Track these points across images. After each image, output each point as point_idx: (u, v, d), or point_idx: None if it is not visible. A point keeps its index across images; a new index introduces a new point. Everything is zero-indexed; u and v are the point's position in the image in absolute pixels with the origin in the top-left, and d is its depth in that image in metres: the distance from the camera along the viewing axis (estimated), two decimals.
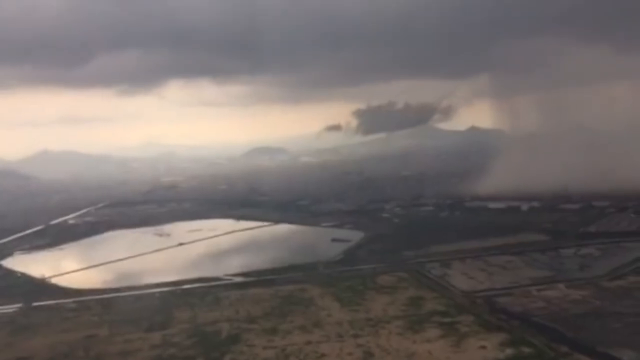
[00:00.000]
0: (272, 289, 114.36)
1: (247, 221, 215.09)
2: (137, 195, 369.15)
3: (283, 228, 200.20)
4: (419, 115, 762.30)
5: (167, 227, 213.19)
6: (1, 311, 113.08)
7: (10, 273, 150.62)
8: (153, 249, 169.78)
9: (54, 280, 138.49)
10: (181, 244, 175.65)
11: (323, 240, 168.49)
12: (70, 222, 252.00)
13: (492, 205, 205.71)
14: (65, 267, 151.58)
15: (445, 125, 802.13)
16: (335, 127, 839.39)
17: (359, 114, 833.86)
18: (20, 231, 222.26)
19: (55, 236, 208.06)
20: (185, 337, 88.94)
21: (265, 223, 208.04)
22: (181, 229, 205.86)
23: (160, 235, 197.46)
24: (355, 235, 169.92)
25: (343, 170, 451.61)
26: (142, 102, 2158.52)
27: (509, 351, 74.65)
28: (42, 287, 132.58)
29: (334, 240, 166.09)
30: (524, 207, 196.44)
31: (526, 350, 74.69)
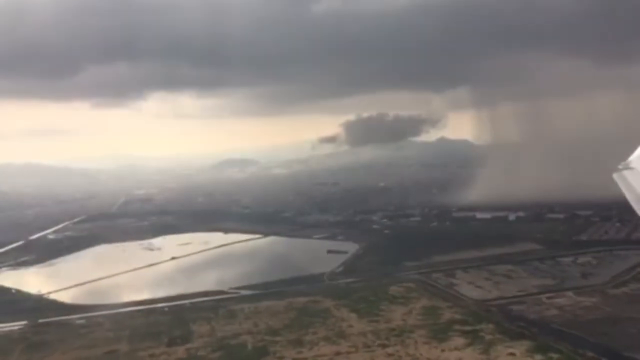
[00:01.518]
0: (284, 301, 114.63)
1: (236, 234, 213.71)
2: (112, 208, 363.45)
3: (274, 240, 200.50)
4: (408, 127, 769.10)
5: (156, 241, 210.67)
6: (8, 328, 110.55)
7: (3, 290, 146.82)
8: (147, 264, 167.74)
9: (52, 297, 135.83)
10: (174, 258, 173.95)
11: (318, 252, 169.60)
12: (50, 237, 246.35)
13: (479, 215, 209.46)
14: (60, 282, 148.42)
15: (417, 138, 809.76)
16: (330, 139, 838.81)
17: (347, 125, 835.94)
18: (0, 247, 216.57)
19: (40, 251, 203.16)
20: (210, 350, 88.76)
21: (255, 236, 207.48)
22: (170, 243, 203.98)
23: (151, 249, 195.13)
24: (349, 247, 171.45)
25: (317, 182, 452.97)
26: (116, 114, 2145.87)
27: (538, 357, 77.01)
28: (42, 304, 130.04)
29: (329, 252, 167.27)
30: (511, 217, 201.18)
31: (554, 356, 77.09)
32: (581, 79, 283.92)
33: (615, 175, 21.37)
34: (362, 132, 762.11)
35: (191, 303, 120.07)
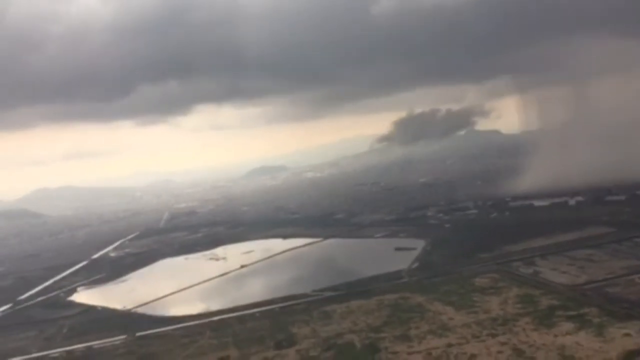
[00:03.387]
0: (373, 300, 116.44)
1: (295, 239, 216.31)
2: (160, 223, 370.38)
3: (336, 242, 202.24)
4: (460, 120, 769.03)
5: (217, 251, 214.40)
6: (110, 343, 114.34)
7: (89, 308, 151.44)
8: (219, 273, 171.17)
9: (139, 311, 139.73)
10: (244, 266, 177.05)
11: (386, 251, 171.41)
12: (112, 255, 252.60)
13: (537, 203, 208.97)
14: (141, 297, 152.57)
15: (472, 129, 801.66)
16: (386, 138, 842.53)
17: (399, 123, 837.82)
18: (66, 268, 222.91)
19: (108, 269, 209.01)
20: (320, 351, 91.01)
21: (315, 239, 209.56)
22: (233, 252, 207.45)
23: (216, 259, 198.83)
24: (415, 244, 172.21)
25: (356, 183, 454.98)
26: (156, 131, 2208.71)
27: None
28: (132, 318, 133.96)
29: (397, 249, 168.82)
30: (571, 202, 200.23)
31: None
32: (628, 58, 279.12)
33: None
34: (414, 128, 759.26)
35: (280, 307, 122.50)
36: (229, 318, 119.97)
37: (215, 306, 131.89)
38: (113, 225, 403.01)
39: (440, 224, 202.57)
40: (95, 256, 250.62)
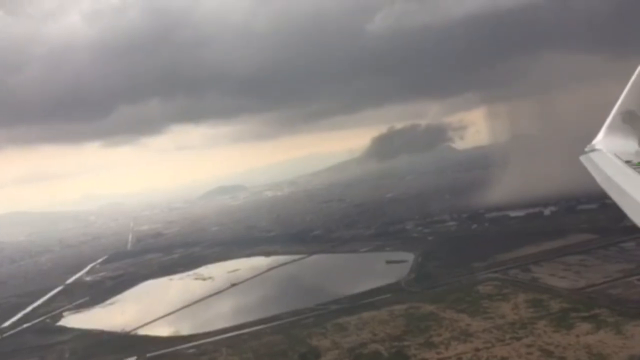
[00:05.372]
0: (383, 311, 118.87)
1: (278, 256, 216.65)
2: (127, 246, 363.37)
3: (322, 258, 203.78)
4: (437, 136, 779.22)
5: (201, 271, 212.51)
6: None
7: (84, 332, 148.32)
8: (210, 292, 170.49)
9: (140, 332, 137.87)
10: (234, 284, 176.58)
11: (377, 264, 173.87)
12: (87, 279, 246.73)
13: (512, 214, 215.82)
14: (138, 319, 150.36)
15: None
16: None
17: (376, 139, 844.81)
18: (42, 294, 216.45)
19: (90, 293, 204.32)
20: None
21: (299, 256, 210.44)
22: (217, 272, 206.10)
23: (203, 279, 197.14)
24: (405, 256, 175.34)
25: (321, 200, 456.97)
26: (121, 152, 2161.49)
27: None
28: (136, 340, 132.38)
29: (388, 262, 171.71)
30: (546, 212, 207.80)
31: None
32: (590, 71, 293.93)
33: (582, 158, 22.64)
34: (391, 144, 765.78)
35: (289, 322, 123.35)
36: (241, 334, 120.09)
37: (219, 324, 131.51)
38: (76, 250, 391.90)
39: (423, 237, 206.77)
40: (70, 281, 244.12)
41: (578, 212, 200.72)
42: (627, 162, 20.05)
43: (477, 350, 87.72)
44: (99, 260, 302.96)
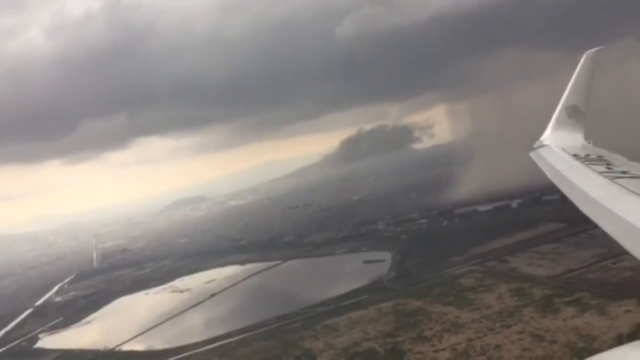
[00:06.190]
0: (370, 309, 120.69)
1: (253, 264, 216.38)
2: (93, 264, 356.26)
3: (299, 262, 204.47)
4: (404, 136, 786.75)
5: (177, 284, 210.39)
6: None
7: (65, 352, 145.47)
8: (191, 304, 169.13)
9: (125, 348, 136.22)
10: (214, 295, 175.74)
11: (355, 264, 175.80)
12: (57, 299, 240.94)
13: (480, 208, 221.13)
14: (118, 336, 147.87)
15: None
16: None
17: (345, 141, 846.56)
18: (12, 317, 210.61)
19: (63, 314, 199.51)
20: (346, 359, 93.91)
21: (275, 262, 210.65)
22: (194, 283, 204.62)
23: (181, 291, 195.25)
24: (382, 256, 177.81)
25: (287, 206, 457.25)
26: (82, 169, 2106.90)
27: None
28: (121, 356, 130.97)
29: (366, 262, 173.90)
30: (513, 205, 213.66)
31: None
32: (546, 68, 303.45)
33: (532, 155, 23.73)
34: (359, 146, 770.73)
35: (276, 327, 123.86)
36: (230, 343, 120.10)
37: (206, 334, 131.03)
38: (39, 271, 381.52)
39: (397, 235, 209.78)
40: (39, 303, 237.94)
41: (543, 203, 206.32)
42: (575, 155, 21.53)
43: (470, 340, 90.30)
44: (66, 280, 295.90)
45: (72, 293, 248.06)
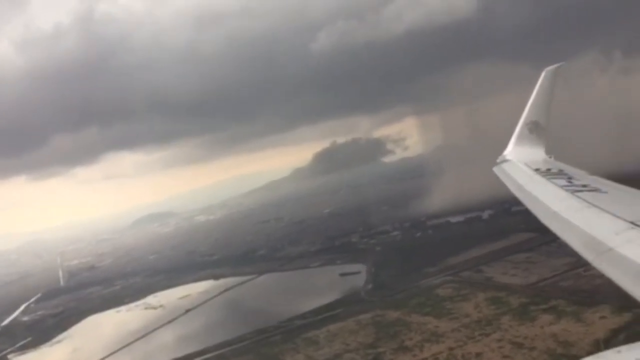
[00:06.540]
0: (349, 321, 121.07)
1: (227, 278, 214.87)
2: (61, 282, 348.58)
3: (274, 276, 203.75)
4: (377, 149, 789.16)
5: (150, 300, 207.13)
6: None
7: None
8: (166, 321, 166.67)
9: None
10: (189, 310, 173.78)
11: (331, 277, 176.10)
12: (24, 318, 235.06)
13: (453, 220, 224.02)
14: (91, 355, 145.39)
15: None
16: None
17: (318, 155, 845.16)
18: None
19: (31, 333, 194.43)
20: None
21: (249, 276, 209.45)
22: (167, 299, 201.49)
23: (154, 308, 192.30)
24: (357, 268, 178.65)
25: (257, 220, 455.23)
26: (48, 185, 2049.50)
27: (626, 315, 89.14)
28: None
29: (342, 274, 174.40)
30: (484, 215, 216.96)
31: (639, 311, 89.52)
32: (514, 80, 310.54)
33: (495, 169, 24.21)
34: (333, 159, 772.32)
35: (254, 342, 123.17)
36: (211, 357, 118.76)
37: (182, 351, 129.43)
38: (3, 291, 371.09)
39: (371, 248, 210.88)
40: (5, 323, 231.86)
41: (514, 213, 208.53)
42: (536, 170, 21.98)
43: (451, 349, 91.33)
44: (33, 299, 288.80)
45: (39, 312, 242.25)
